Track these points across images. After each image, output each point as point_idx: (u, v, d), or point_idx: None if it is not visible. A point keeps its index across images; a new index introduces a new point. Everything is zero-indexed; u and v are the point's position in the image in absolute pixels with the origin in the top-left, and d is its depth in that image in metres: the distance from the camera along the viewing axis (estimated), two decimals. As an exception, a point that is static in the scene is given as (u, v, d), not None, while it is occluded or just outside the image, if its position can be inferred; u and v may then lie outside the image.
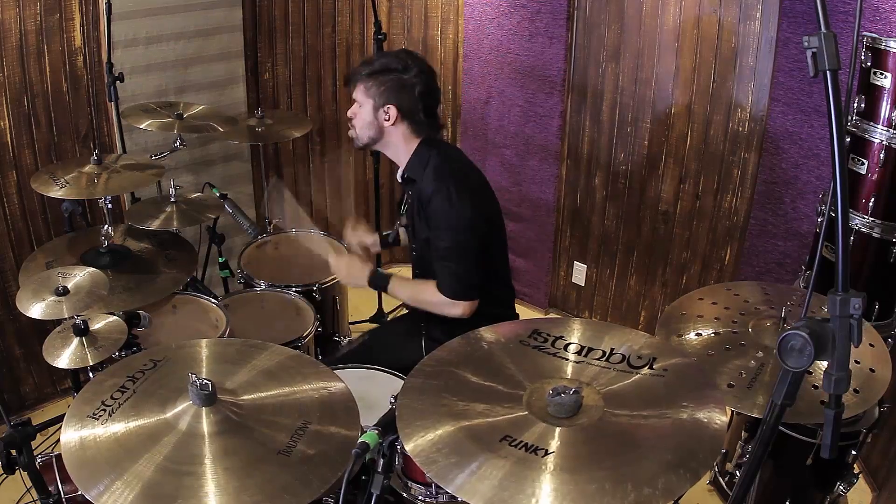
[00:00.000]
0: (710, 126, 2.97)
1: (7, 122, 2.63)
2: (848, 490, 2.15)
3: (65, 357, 1.79)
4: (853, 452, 2.07)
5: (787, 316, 1.81)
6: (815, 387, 1.65)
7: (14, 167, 2.69)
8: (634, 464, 1.25)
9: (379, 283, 2.23)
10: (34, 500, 1.71)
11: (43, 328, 2.02)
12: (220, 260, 2.96)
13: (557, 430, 1.33)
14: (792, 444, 2.06)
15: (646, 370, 1.50)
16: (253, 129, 3.09)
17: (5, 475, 1.60)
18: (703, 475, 1.27)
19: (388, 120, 2.09)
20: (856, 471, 2.15)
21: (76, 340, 1.82)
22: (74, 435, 1.38)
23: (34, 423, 1.63)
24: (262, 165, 3.44)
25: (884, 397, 1.77)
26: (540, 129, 3.42)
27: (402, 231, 2.49)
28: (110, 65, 2.67)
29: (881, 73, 2.08)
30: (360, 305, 3.46)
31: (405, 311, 2.62)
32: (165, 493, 1.26)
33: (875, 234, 2.19)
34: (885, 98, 2.08)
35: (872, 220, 2.18)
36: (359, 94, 2.12)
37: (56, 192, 2.33)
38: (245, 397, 1.52)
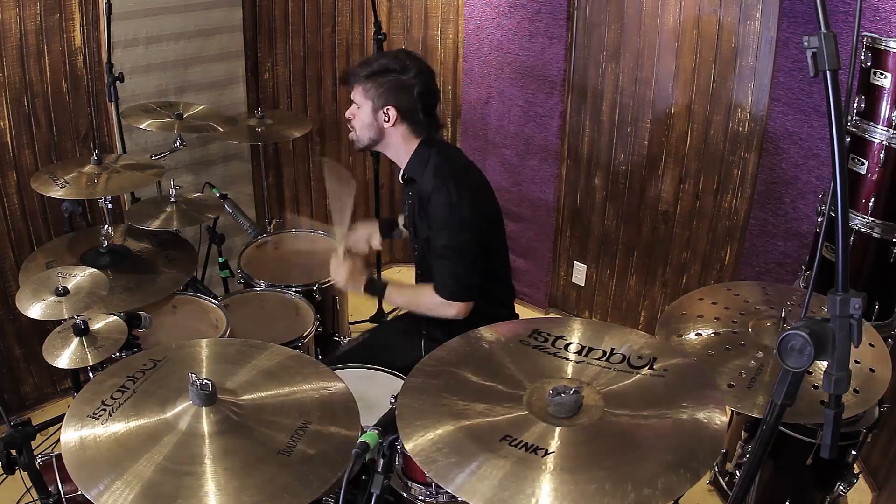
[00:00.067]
0: (710, 126, 2.97)
1: (7, 122, 2.63)
2: (848, 490, 2.15)
3: (65, 357, 1.79)
4: (853, 452, 2.07)
5: (787, 316, 1.81)
6: (815, 387, 1.65)
7: (14, 167, 2.69)
8: (634, 464, 1.25)
9: (375, 290, 2.24)
10: (34, 500, 1.71)
11: (43, 328, 2.02)
12: (220, 260, 2.96)
13: (557, 429, 1.33)
14: (792, 444, 2.06)
15: (646, 370, 1.50)
16: (253, 129, 3.09)
17: (5, 475, 1.59)
18: (703, 475, 1.27)
19: (388, 121, 2.09)
20: (856, 471, 2.16)
21: (76, 340, 1.82)
22: (74, 435, 1.38)
23: (34, 423, 1.63)
24: (262, 165, 3.43)
25: (884, 397, 1.77)
26: (540, 129, 3.42)
27: (400, 220, 2.49)
28: (110, 65, 2.67)
29: (881, 73, 2.08)
30: (360, 305, 3.45)
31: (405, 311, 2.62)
32: (165, 493, 1.26)
33: (875, 234, 2.19)
34: (885, 98, 2.08)
35: (872, 220, 2.18)
36: (357, 95, 2.11)
37: (56, 192, 2.33)
38: (245, 397, 1.52)
